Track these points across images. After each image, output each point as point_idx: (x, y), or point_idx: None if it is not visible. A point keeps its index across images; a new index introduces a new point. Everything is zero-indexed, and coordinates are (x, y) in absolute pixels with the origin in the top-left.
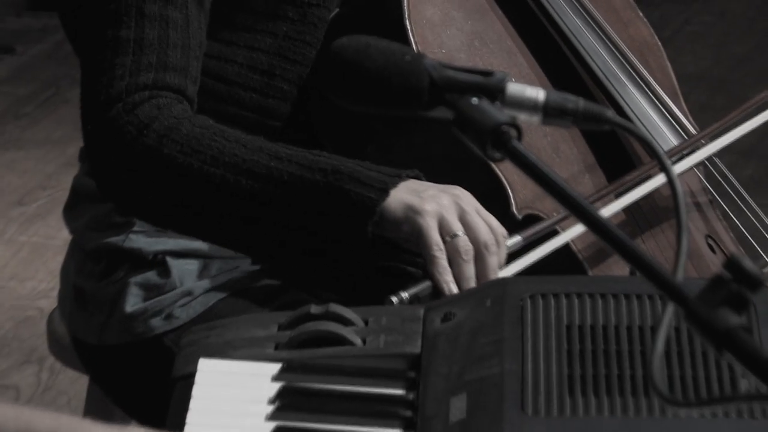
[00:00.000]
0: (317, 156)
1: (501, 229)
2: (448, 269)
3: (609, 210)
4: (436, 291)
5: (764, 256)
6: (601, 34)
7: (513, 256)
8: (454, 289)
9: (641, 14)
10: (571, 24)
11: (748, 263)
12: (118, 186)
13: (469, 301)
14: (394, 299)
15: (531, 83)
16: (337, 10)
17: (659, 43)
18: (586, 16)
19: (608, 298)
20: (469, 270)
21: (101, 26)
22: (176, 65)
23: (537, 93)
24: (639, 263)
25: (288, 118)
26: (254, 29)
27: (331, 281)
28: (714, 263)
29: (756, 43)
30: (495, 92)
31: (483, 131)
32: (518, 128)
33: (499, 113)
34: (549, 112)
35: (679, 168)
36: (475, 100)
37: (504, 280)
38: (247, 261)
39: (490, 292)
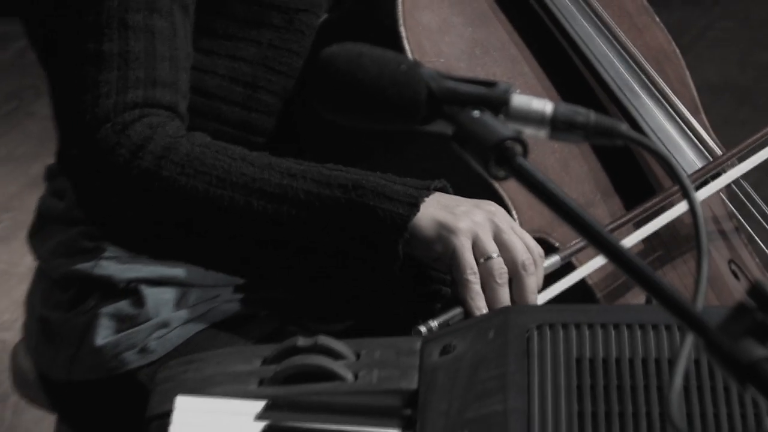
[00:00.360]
0: (334, 170)
1: (538, 249)
2: (482, 294)
3: (627, 241)
4: (468, 318)
5: None
6: (613, 40)
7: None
8: None
9: (657, 19)
10: (580, 30)
11: None
12: (113, 214)
13: (470, 331)
14: (423, 329)
15: (537, 95)
16: (326, 15)
17: (677, 51)
18: (597, 21)
19: (622, 328)
20: (504, 295)
21: (80, 39)
22: (166, 80)
23: (544, 105)
24: (655, 289)
25: (272, 133)
26: (236, 37)
27: (353, 309)
28: (738, 291)
29: None
30: (498, 104)
31: (485, 147)
32: (524, 144)
33: (503, 127)
34: (557, 126)
35: (702, 194)
36: (476, 113)
37: (508, 309)
38: (228, 289)
39: (492, 323)
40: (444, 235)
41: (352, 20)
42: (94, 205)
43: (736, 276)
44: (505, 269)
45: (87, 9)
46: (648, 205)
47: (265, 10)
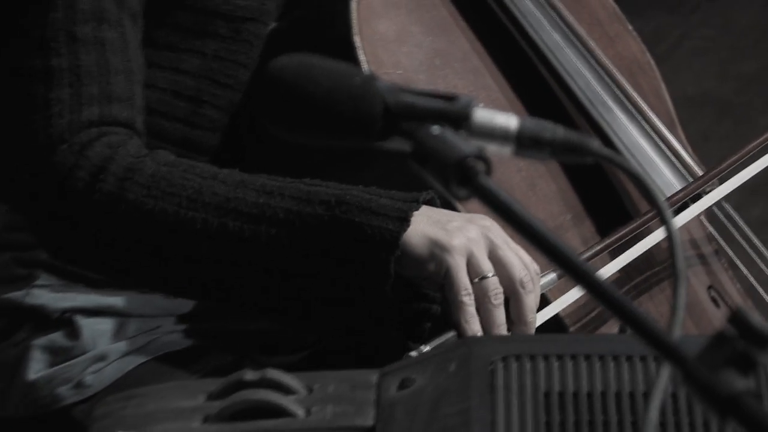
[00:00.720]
0: (313, 185)
1: (534, 265)
2: (476, 317)
3: (602, 272)
4: None
5: None
6: (583, 50)
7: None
8: None
9: (630, 27)
10: (548, 39)
11: (755, 318)
12: (72, 241)
13: (431, 364)
14: (414, 355)
15: (502, 108)
16: (275, 24)
17: (652, 61)
18: (566, 30)
19: (593, 359)
20: (500, 316)
21: (27, 55)
22: (121, 95)
23: (509, 120)
24: (629, 317)
25: (217, 151)
26: (179, 48)
27: (339, 334)
28: (717, 318)
29: (767, 60)
30: (459, 120)
31: (446, 165)
32: (487, 161)
33: (465, 144)
34: (523, 143)
35: (681, 219)
36: (436, 129)
37: (471, 339)
38: (170, 320)
39: (454, 354)
40: (437, 254)
41: (303, 29)
42: (50, 232)
43: (715, 303)
44: (500, 289)
45: (32, 23)
46: (623, 232)
47: (210, 19)
